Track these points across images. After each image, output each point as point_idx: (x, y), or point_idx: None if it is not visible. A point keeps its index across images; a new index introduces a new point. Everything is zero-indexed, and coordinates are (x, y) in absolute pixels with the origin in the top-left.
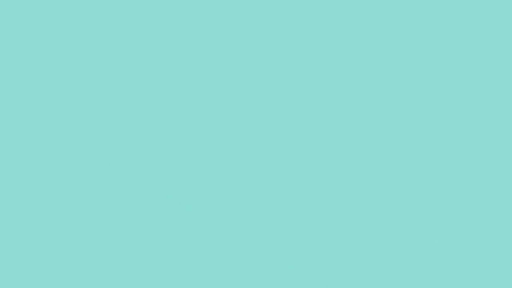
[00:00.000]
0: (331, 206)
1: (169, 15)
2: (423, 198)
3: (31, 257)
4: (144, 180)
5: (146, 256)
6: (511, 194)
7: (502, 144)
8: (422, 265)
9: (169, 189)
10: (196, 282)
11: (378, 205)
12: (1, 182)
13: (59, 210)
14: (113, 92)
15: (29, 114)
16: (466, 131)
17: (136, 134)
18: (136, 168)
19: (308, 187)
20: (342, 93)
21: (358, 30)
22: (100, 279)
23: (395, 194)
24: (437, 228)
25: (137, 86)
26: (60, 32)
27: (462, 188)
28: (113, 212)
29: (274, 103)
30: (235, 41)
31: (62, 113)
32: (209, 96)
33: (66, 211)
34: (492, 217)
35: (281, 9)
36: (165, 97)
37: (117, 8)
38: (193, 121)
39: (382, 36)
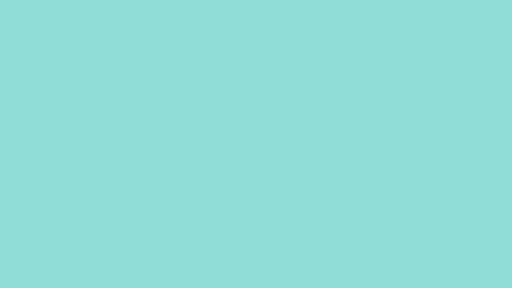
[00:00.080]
0: (331, 206)
1: (169, 15)
2: (423, 198)
3: (31, 257)
4: (144, 180)
5: (146, 256)
6: (511, 194)
7: (502, 144)
8: (422, 265)
9: (169, 189)
10: (196, 282)
11: (378, 205)
12: (1, 182)
13: (59, 210)
14: (113, 92)
15: (29, 114)
16: (466, 131)
17: (136, 134)
18: (136, 168)
19: (308, 187)
20: (342, 93)
21: (358, 30)
22: (100, 279)
23: (395, 194)
24: (437, 228)
25: (137, 86)
26: (60, 32)
27: (462, 188)
28: (113, 212)
29: (274, 103)
30: (235, 41)
31: (62, 113)
32: (209, 96)
33: (66, 211)
34: (492, 217)
35: (281, 9)
36: (165, 97)
37: (117, 8)
38: (193, 121)
39: (382, 36)
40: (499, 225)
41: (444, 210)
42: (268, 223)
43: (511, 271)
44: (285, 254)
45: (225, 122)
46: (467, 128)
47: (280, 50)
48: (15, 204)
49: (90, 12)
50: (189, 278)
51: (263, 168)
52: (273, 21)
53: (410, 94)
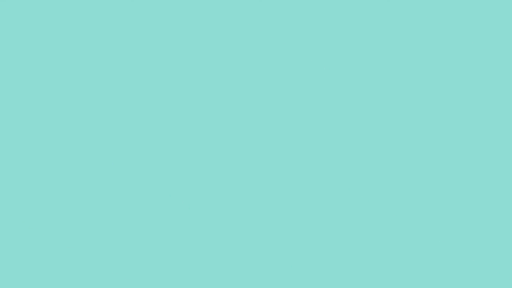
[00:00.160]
0: (331, 206)
1: (169, 15)
2: (423, 198)
3: (31, 257)
4: (144, 180)
5: (146, 256)
6: (511, 194)
7: (502, 144)
8: (422, 265)
9: (169, 189)
10: (196, 282)
11: (378, 205)
12: (1, 182)
13: (59, 210)
14: (113, 92)
15: (29, 114)
16: (466, 131)
17: (136, 134)
18: (136, 168)
19: (308, 187)
20: (342, 93)
21: (358, 30)
22: (100, 279)
23: (395, 194)
24: (437, 228)
25: (137, 86)
26: (60, 32)
27: (462, 188)
28: (113, 212)
29: (274, 103)
30: (235, 41)
31: (62, 113)
32: (209, 96)
33: (66, 211)
34: (492, 217)
35: (281, 9)
36: (165, 97)
37: (117, 8)
38: (193, 121)
39: (382, 36)
40: (499, 225)
41: (444, 210)
42: (268, 223)
43: (511, 271)
44: (285, 254)
45: (225, 122)
46: (467, 128)
47: (280, 50)
48: (15, 204)
49: (90, 12)
50: (189, 278)
51: (263, 168)
52: (273, 21)
53: (410, 94)
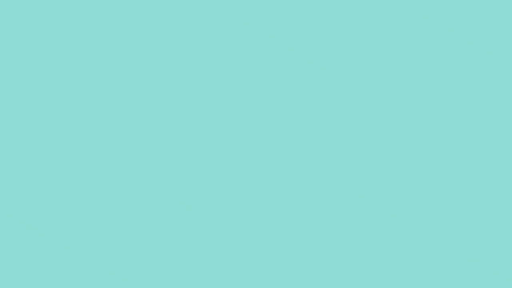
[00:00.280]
0: (331, 206)
1: (169, 15)
2: (423, 198)
3: (31, 257)
4: (144, 180)
5: (146, 256)
6: (511, 194)
7: (502, 144)
8: (422, 265)
9: (169, 189)
10: (196, 282)
11: (378, 205)
12: (1, 182)
13: (59, 210)
14: (113, 92)
15: (29, 114)
16: (466, 131)
17: (136, 134)
18: (136, 168)
19: (308, 187)
20: (342, 93)
21: (358, 30)
22: (100, 279)
23: (395, 194)
24: (437, 228)
25: (137, 86)
26: (60, 32)
27: (462, 188)
28: (113, 212)
29: (274, 103)
30: (235, 41)
31: (62, 113)
32: (209, 96)
33: (66, 211)
34: (492, 217)
35: (281, 9)
36: (165, 97)
37: (117, 8)
38: (193, 121)
39: (382, 36)
40: (499, 225)
41: (444, 210)
42: (268, 223)
43: (511, 271)
44: (285, 254)
45: (225, 122)
46: (467, 128)
47: (280, 50)
48: (15, 204)
49: (90, 12)
50: (189, 278)
51: (263, 168)
52: (273, 21)
53: (410, 94)
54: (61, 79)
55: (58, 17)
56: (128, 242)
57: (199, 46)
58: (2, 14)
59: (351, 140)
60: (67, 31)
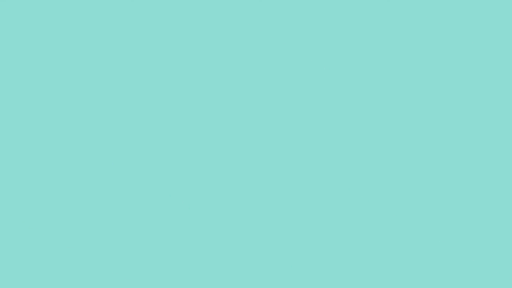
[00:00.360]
0: (331, 206)
1: (169, 15)
2: (423, 198)
3: (31, 257)
4: (144, 180)
5: (146, 256)
6: (511, 194)
7: (502, 144)
8: (422, 265)
9: (169, 189)
10: (196, 282)
11: (378, 205)
12: (1, 182)
13: (59, 210)
14: (113, 92)
15: (29, 114)
16: (466, 131)
17: (136, 134)
18: (136, 168)
19: (308, 187)
20: (342, 93)
21: (358, 30)
22: (100, 279)
23: (395, 194)
24: (437, 228)
25: (137, 86)
26: (60, 32)
27: (462, 188)
28: (113, 212)
29: (274, 103)
30: (235, 41)
31: (62, 113)
32: (209, 96)
33: (66, 211)
34: (492, 217)
35: (281, 9)
36: (165, 97)
37: (117, 8)
38: (193, 121)
39: (382, 36)
40: (499, 225)
41: (444, 210)
42: (268, 223)
43: (511, 271)
44: (285, 254)
45: (225, 122)
46: (467, 128)
47: (280, 50)
48: (15, 204)
49: (90, 12)
50: (189, 278)
51: (263, 168)
52: (273, 21)
53: (410, 94)
54: (61, 79)
55: (58, 17)
56: (128, 242)
57: (199, 46)
58: (2, 14)
59: (351, 140)
60: (67, 31)
